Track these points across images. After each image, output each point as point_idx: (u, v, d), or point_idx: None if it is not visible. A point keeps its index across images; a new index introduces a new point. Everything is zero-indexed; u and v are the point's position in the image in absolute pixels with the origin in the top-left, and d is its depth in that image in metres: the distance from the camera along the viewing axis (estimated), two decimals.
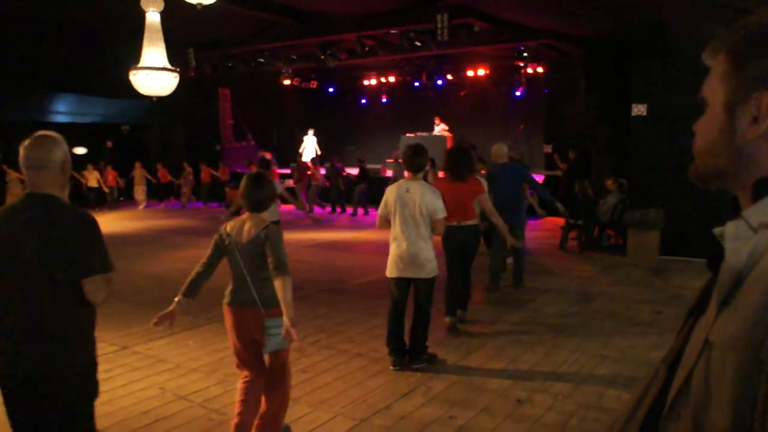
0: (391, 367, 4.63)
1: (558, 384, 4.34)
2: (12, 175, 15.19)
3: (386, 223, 4.74)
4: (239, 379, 3.42)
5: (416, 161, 4.64)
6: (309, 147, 19.29)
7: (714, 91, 0.89)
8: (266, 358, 3.38)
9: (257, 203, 3.30)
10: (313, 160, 16.81)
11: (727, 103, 0.86)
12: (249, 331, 3.27)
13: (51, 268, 2.25)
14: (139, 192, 17.72)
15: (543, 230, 11.85)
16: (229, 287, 3.32)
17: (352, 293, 7.20)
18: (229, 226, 3.33)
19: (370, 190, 15.23)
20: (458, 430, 3.65)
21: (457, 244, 5.54)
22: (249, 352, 3.34)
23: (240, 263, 3.24)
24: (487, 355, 5.00)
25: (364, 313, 6.21)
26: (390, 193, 4.67)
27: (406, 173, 4.78)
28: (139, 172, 17.72)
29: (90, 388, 2.46)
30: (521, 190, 7.11)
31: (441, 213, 4.57)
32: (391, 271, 4.67)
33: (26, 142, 2.34)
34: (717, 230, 0.91)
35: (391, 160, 16.09)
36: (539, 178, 13.53)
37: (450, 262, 5.63)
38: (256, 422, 3.29)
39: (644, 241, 9.01)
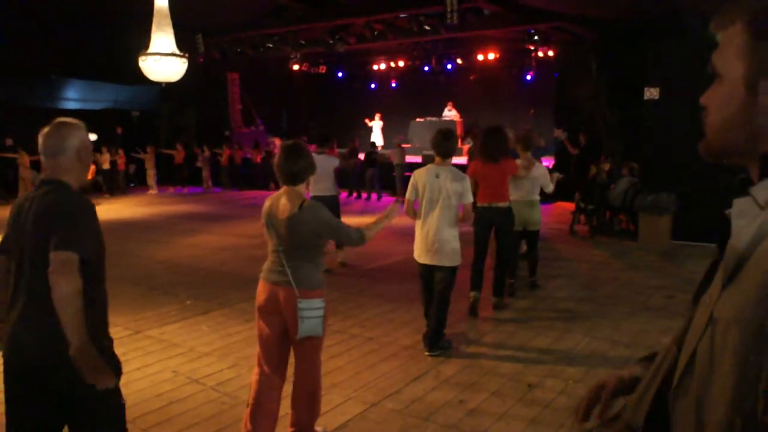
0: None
1: (569, 368, 4.34)
2: (24, 158, 15.27)
3: (412, 209, 4.74)
4: (253, 375, 3.22)
5: (446, 146, 4.61)
6: (376, 131, 19.43)
7: (730, 64, 0.85)
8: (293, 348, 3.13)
9: (292, 175, 3.05)
10: (372, 144, 16.72)
11: (747, 77, 0.82)
12: (279, 308, 3.04)
13: (43, 251, 2.13)
14: (151, 177, 17.79)
15: (553, 215, 11.80)
16: (266, 263, 3.16)
17: (363, 278, 7.22)
18: (267, 201, 3.17)
19: (380, 174, 15.30)
20: (469, 413, 3.67)
21: (486, 225, 5.61)
22: (273, 335, 3.11)
23: (275, 241, 3.08)
24: (497, 340, 5.02)
25: (375, 298, 6.23)
26: (419, 178, 4.66)
27: (437, 158, 4.71)
28: (149, 157, 17.72)
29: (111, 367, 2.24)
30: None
31: (470, 198, 4.62)
32: (417, 256, 4.72)
33: (44, 129, 2.30)
34: (729, 212, 0.90)
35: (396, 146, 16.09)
36: (549, 163, 13.47)
37: (477, 242, 5.64)
38: None
39: (656, 226, 8.96)
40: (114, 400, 2.29)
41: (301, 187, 3.12)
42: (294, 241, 3.01)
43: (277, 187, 3.26)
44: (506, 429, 3.47)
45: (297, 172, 3.05)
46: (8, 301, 2.24)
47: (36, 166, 15.71)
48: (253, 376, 3.20)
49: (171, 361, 4.57)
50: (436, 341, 4.69)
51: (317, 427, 3.36)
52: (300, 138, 16.63)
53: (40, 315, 2.13)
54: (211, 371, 4.37)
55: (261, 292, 3.14)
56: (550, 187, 6.28)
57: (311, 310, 2.98)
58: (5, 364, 2.22)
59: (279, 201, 3.09)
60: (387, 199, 15.27)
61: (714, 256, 0.92)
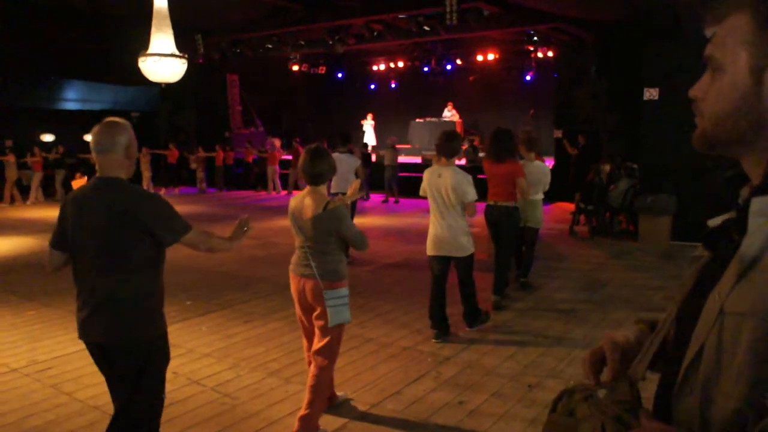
0: (433, 339, 4.97)
1: (569, 369, 4.34)
2: (9, 157, 15.24)
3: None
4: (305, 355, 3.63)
5: (449, 147, 4.85)
6: (368, 132, 19.55)
7: (733, 53, 0.84)
8: (317, 332, 3.40)
9: (316, 176, 3.34)
10: (365, 145, 16.72)
11: (754, 67, 0.82)
12: (307, 299, 3.37)
13: (118, 246, 2.44)
14: (146, 179, 17.71)
15: (553, 215, 11.80)
16: (294, 257, 3.45)
17: (360, 279, 7.21)
18: (292, 202, 3.44)
19: (371, 175, 15.29)
20: (469, 414, 3.67)
21: (491, 223, 5.98)
22: (307, 318, 3.47)
23: (301, 238, 3.35)
24: (497, 341, 5.01)
25: (373, 299, 6.23)
26: (425, 178, 4.96)
27: (442, 159, 4.96)
28: (144, 159, 17.57)
29: (158, 356, 2.66)
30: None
31: (470, 196, 4.78)
32: (429, 250, 5.03)
33: (95, 128, 2.51)
34: (711, 222, 0.91)
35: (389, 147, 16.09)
36: (549, 163, 13.47)
37: (492, 240, 6.09)
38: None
39: (656, 227, 8.96)
40: (161, 375, 2.72)
41: (323, 188, 3.40)
42: (318, 238, 3.29)
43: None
44: (506, 429, 3.47)
45: (319, 173, 3.34)
46: (77, 294, 2.56)
47: (30, 165, 15.75)
48: (306, 358, 3.62)
49: (171, 362, 4.55)
50: (473, 319, 5.12)
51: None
52: (295, 140, 16.68)
53: (106, 310, 2.48)
54: (211, 372, 4.36)
55: (291, 282, 3.47)
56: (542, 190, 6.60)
57: (337, 299, 3.29)
58: (83, 341, 2.59)
59: (303, 201, 3.35)
60: (375, 197, 15.26)
61: (698, 259, 0.94)
